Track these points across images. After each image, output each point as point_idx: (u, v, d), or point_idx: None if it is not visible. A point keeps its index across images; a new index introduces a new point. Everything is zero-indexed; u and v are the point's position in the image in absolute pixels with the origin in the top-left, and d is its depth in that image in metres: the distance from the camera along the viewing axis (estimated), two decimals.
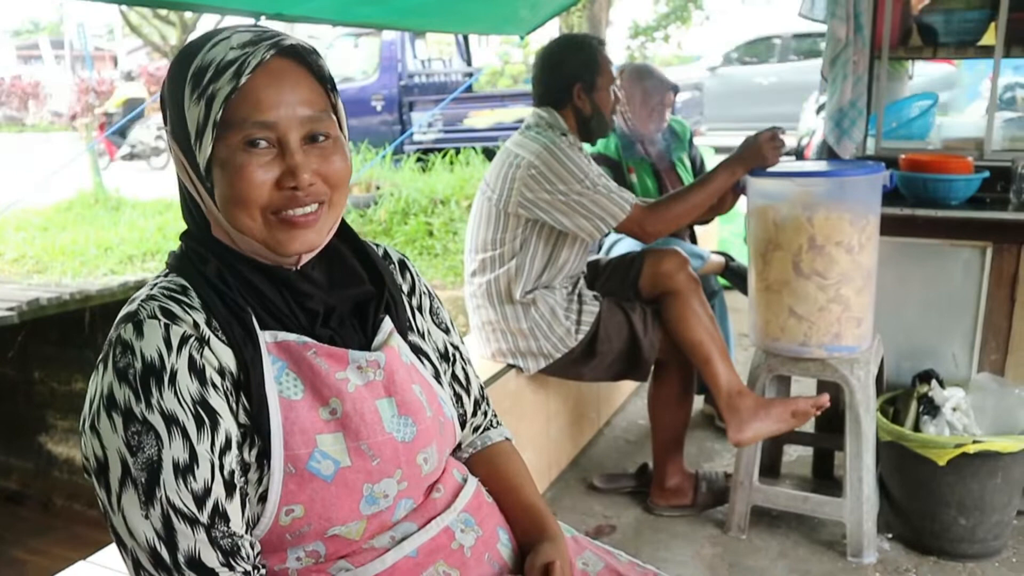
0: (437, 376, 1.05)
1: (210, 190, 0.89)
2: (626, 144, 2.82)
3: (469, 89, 10.36)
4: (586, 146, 2.34)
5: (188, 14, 12.46)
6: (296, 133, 0.88)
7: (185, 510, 0.81)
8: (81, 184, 8.87)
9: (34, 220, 8.05)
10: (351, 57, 10.69)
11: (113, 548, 1.55)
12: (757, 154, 2.10)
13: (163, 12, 12.65)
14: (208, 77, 0.85)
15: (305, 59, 0.90)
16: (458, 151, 8.72)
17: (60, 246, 7.14)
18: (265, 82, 0.86)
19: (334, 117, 0.93)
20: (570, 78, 2.22)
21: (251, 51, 0.86)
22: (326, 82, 0.92)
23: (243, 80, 0.85)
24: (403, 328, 1.03)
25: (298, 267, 0.93)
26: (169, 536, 0.80)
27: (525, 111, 8.47)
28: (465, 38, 11.12)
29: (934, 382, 2.21)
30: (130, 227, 7.61)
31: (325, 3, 2.67)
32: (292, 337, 0.91)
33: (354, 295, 0.99)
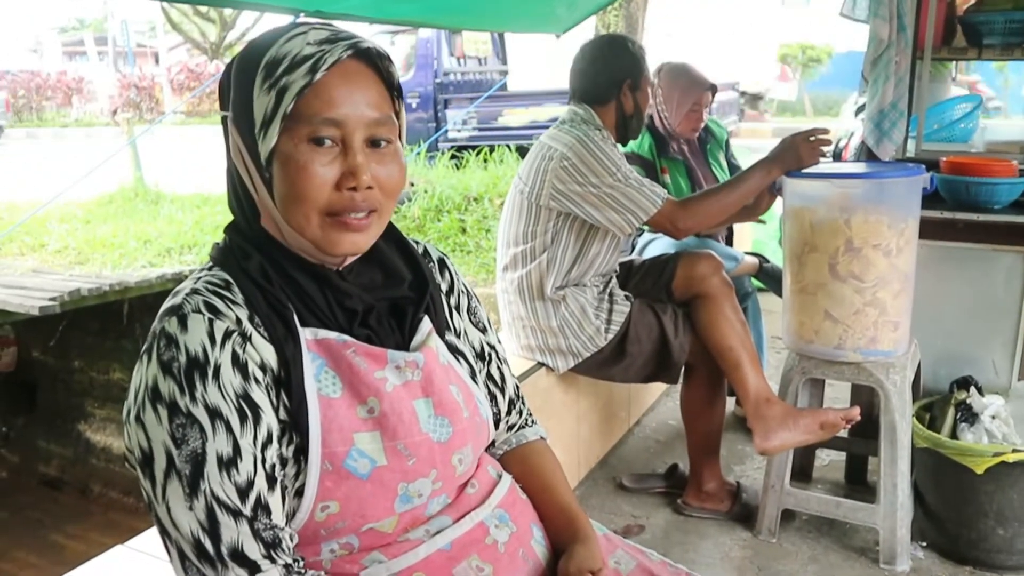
0: (473, 375, 1.06)
1: (267, 181, 0.89)
2: (660, 143, 2.78)
3: (504, 87, 10.38)
4: (618, 146, 2.33)
5: (228, 11, 12.63)
6: (360, 134, 0.89)
7: (229, 502, 0.82)
8: (122, 178, 9.03)
9: (76, 213, 8.22)
10: None
11: (150, 533, 1.58)
12: (794, 155, 2.08)
13: (203, 9, 12.85)
14: (282, 69, 0.86)
15: (377, 63, 0.91)
16: (492, 149, 8.74)
17: (101, 238, 7.28)
18: (337, 81, 0.87)
19: (397, 125, 0.93)
20: (620, 76, 2.22)
21: (328, 48, 0.87)
22: (393, 88, 0.93)
23: (319, 75, 0.85)
24: (441, 328, 1.03)
25: (341, 267, 0.95)
26: (213, 528, 0.81)
27: (559, 110, 8.43)
28: (501, 36, 11.13)
29: (972, 389, 2.17)
30: (168, 221, 7.73)
31: (363, 1, 2.69)
32: (332, 335, 0.92)
33: (393, 295, 0.99)
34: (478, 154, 8.74)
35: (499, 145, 8.89)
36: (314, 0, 2.54)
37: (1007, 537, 2.05)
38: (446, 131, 9.93)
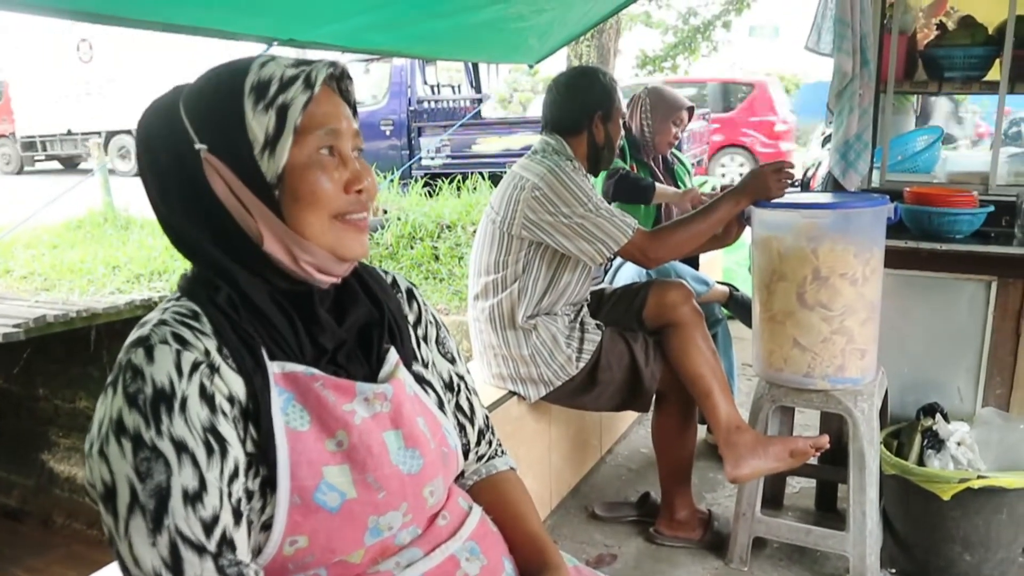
0: (441, 406, 1.06)
1: (273, 200, 0.89)
2: (636, 148, 3.06)
3: (478, 115, 10.44)
4: (590, 176, 2.36)
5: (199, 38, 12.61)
6: (349, 144, 0.94)
7: (193, 538, 0.80)
8: (91, 203, 8.93)
9: (44, 238, 8.10)
10: (361, 82, 10.81)
11: (111, 568, 1.54)
12: (761, 186, 2.11)
13: (174, 36, 12.83)
14: (275, 89, 0.89)
15: (339, 84, 0.96)
16: (465, 177, 8.77)
17: (68, 264, 7.17)
18: (323, 96, 0.92)
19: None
20: (591, 106, 2.25)
21: (308, 68, 0.91)
22: (351, 106, 0.98)
23: (317, 89, 0.90)
24: (408, 359, 1.03)
25: (338, 277, 0.96)
26: (176, 564, 0.79)
27: (533, 138, 8.50)
28: (474, 65, 11.23)
29: (938, 416, 2.20)
30: (138, 246, 7.64)
31: (337, 30, 2.71)
32: (300, 368, 0.91)
33: (357, 321, 0.99)
34: (451, 182, 8.76)
35: (472, 173, 8.92)
36: (288, 29, 2.54)
37: (973, 563, 2.07)
38: (419, 158, 9.96)
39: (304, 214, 0.90)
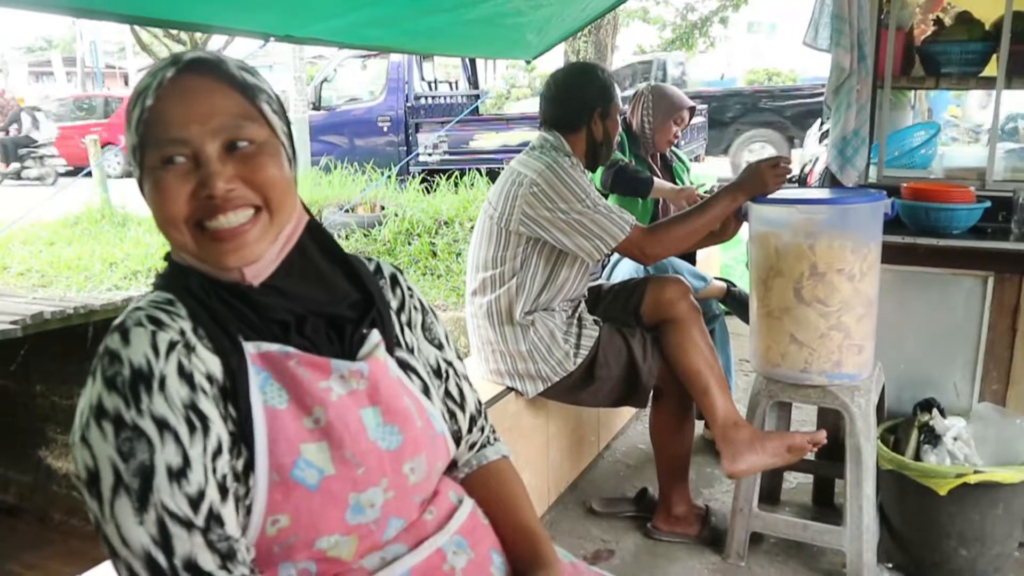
0: (426, 391, 1.05)
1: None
2: (635, 143, 3.05)
3: (475, 111, 10.43)
4: (588, 172, 2.36)
5: (198, 34, 12.59)
6: (212, 145, 0.89)
7: (180, 514, 0.80)
8: (88, 199, 8.91)
9: (41, 234, 8.09)
10: (359, 78, 10.79)
11: (108, 564, 1.54)
12: (758, 181, 2.11)
13: (173, 31, 12.80)
14: (133, 105, 0.90)
15: (217, 70, 0.91)
16: (463, 173, 8.76)
17: (65, 260, 7.16)
18: (173, 100, 0.88)
19: (264, 123, 0.92)
20: (590, 103, 2.25)
21: (151, 78, 0.89)
22: (246, 89, 0.92)
23: (149, 102, 0.88)
24: (390, 344, 1.03)
25: (247, 282, 0.93)
26: (165, 541, 0.80)
27: (530, 134, 8.51)
28: (472, 61, 11.21)
29: (935, 411, 2.20)
30: (135, 243, 7.63)
31: (334, 25, 2.70)
32: (274, 348, 0.92)
33: (328, 312, 0.99)
34: (449, 178, 8.76)
35: (470, 169, 8.92)
36: (284, 25, 2.54)
37: (969, 558, 2.08)
38: (417, 155, 9.95)
39: (160, 226, 0.91)
